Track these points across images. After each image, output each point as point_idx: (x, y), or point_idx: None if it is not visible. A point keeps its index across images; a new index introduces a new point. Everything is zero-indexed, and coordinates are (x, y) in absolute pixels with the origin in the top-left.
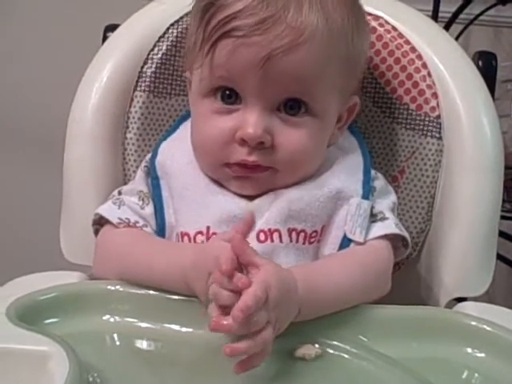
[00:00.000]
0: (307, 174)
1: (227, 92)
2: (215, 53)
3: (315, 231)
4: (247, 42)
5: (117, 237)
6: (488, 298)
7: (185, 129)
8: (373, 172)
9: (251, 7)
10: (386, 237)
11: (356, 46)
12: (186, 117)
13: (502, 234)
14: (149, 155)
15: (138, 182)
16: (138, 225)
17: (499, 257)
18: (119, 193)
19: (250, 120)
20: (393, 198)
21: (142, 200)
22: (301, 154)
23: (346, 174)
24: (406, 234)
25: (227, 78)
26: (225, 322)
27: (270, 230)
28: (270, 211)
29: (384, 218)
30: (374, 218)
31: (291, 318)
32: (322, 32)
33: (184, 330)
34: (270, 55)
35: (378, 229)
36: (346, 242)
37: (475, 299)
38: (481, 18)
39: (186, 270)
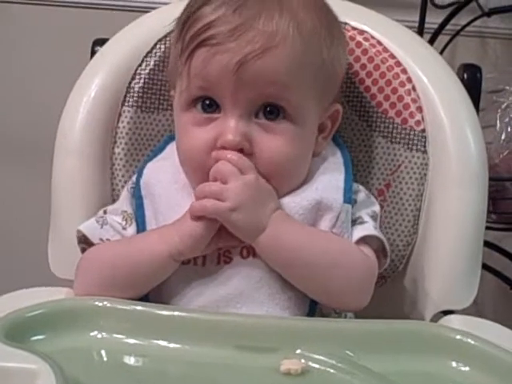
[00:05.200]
0: (294, 182)
1: (207, 101)
2: (192, 62)
3: None
4: (221, 49)
5: (94, 251)
6: (476, 309)
7: (171, 150)
8: (355, 185)
9: (225, 17)
10: (367, 243)
11: (331, 52)
12: (172, 138)
13: (489, 244)
14: (135, 176)
15: (123, 202)
16: None
17: (487, 267)
18: (104, 212)
19: (228, 127)
20: (374, 207)
21: (126, 220)
22: (280, 160)
23: (326, 185)
24: (384, 239)
25: (204, 87)
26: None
27: (252, 245)
28: None
29: (363, 222)
30: (352, 222)
31: (254, 221)
32: (293, 36)
33: (172, 345)
34: (244, 60)
35: (358, 231)
36: None
37: (463, 311)
38: (467, 29)
39: (166, 229)
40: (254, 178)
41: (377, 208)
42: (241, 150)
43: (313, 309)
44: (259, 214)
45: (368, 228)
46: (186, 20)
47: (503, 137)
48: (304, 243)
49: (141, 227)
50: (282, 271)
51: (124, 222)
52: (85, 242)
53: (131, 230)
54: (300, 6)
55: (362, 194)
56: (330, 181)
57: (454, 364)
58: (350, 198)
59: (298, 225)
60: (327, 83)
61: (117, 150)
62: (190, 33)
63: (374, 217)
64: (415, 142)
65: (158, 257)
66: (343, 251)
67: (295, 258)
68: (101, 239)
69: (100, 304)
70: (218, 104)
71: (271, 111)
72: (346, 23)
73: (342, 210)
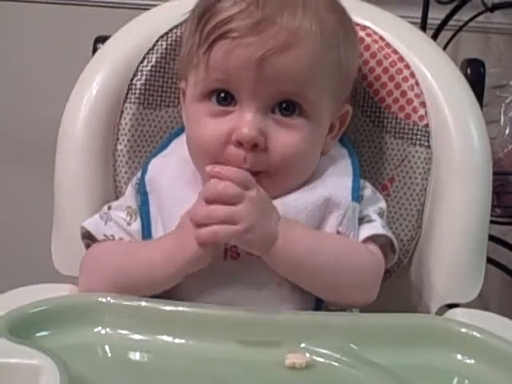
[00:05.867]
0: (300, 179)
1: (222, 94)
2: (211, 54)
3: None
4: (243, 42)
5: (100, 249)
6: (482, 302)
7: (176, 145)
8: (361, 181)
9: (246, 11)
10: (375, 241)
11: (347, 53)
12: (177, 133)
13: (493, 238)
14: (139, 172)
15: (128, 197)
16: None
17: (492, 262)
18: (109, 208)
19: (244, 121)
20: (381, 204)
21: (130, 216)
22: (293, 157)
23: (334, 183)
24: (393, 237)
25: (223, 80)
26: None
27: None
28: None
29: (370, 221)
30: (360, 221)
31: (266, 235)
32: (315, 35)
33: (176, 341)
34: (265, 55)
35: (365, 230)
36: None
37: (468, 304)
38: (470, 24)
39: (169, 247)
40: (256, 192)
41: (383, 204)
42: (255, 145)
43: (318, 306)
44: (269, 226)
45: (376, 227)
46: (204, 13)
47: (507, 131)
48: (314, 247)
49: (145, 223)
50: (292, 276)
51: (128, 218)
52: (89, 238)
53: (136, 225)
54: (320, 5)
55: (368, 190)
56: (338, 181)
57: (459, 357)
58: (357, 197)
59: (304, 229)
60: (342, 83)
61: (119, 147)
62: (209, 25)
63: (381, 214)
64: (419, 136)
65: (161, 274)
66: (350, 251)
67: (306, 263)
68: (105, 235)
69: (104, 300)
70: (233, 97)
71: (287, 107)
72: None
73: (349, 208)
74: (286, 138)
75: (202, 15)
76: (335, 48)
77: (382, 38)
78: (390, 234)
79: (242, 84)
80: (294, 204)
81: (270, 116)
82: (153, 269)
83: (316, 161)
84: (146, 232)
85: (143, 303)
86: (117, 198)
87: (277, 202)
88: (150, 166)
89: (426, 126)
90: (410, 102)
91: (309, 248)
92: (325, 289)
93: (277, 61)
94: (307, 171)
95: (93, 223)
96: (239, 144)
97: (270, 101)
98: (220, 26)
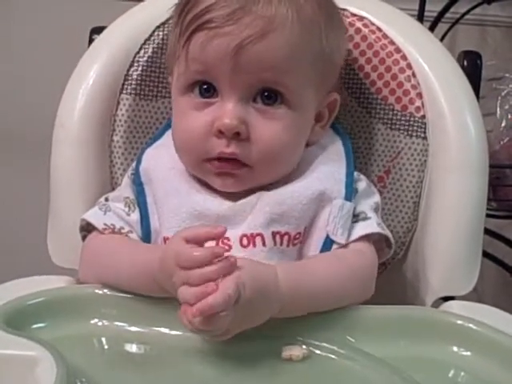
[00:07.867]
0: (284, 170)
1: (204, 86)
2: (190, 46)
3: (298, 233)
4: (219, 32)
5: (100, 243)
6: (477, 296)
7: (169, 136)
8: (355, 174)
9: (223, 1)
10: (368, 238)
11: (330, 41)
12: (171, 124)
13: (489, 232)
14: (135, 162)
15: (125, 188)
16: (123, 231)
17: (487, 255)
18: (106, 199)
19: (225, 111)
20: (375, 198)
21: (128, 206)
22: (276, 147)
23: (328, 176)
24: (389, 233)
25: (202, 71)
26: (188, 313)
27: (252, 234)
28: (253, 215)
29: (366, 218)
30: (355, 218)
31: (270, 314)
32: (291, 22)
33: (173, 333)
34: (242, 44)
35: (360, 229)
36: (328, 242)
37: (463, 298)
38: (466, 16)
39: (155, 271)
40: (245, 293)
41: (378, 198)
42: (237, 134)
43: None
44: (274, 299)
45: (371, 225)
46: (186, 4)
47: (503, 124)
48: (318, 284)
49: (143, 213)
50: (301, 313)
51: (127, 209)
52: (87, 230)
53: (135, 215)
54: None
55: (362, 182)
56: (331, 172)
57: (455, 349)
58: (351, 192)
59: (303, 270)
60: (325, 71)
61: (115, 138)
62: (188, 16)
63: (376, 209)
64: (415, 128)
65: (140, 289)
66: (345, 266)
67: (314, 302)
68: (105, 224)
69: (100, 292)
70: (215, 88)
71: (269, 96)
72: (345, 9)
73: (341, 206)
74: (268, 126)
75: (183, 7)
76: (316, 35)
77: (379, 29)
78: (385, 232)
79: (220, 74)
80: (288, 197)
81: (251, 105)
82: (132, 281)
83: (300, 150)
84: (145, 222)
85: (140, 295)
86: (113, 189)
87: (271, 194)
88: (144, 157)
89: (423, 117)
90: (406, 93)
91: (315, 289)
92: (330, 307)
93: (253, 49)
94: (291, 161)
95: (92, 214)
96: (220, 133)
97: (250, 90)
98: (198, 16)
